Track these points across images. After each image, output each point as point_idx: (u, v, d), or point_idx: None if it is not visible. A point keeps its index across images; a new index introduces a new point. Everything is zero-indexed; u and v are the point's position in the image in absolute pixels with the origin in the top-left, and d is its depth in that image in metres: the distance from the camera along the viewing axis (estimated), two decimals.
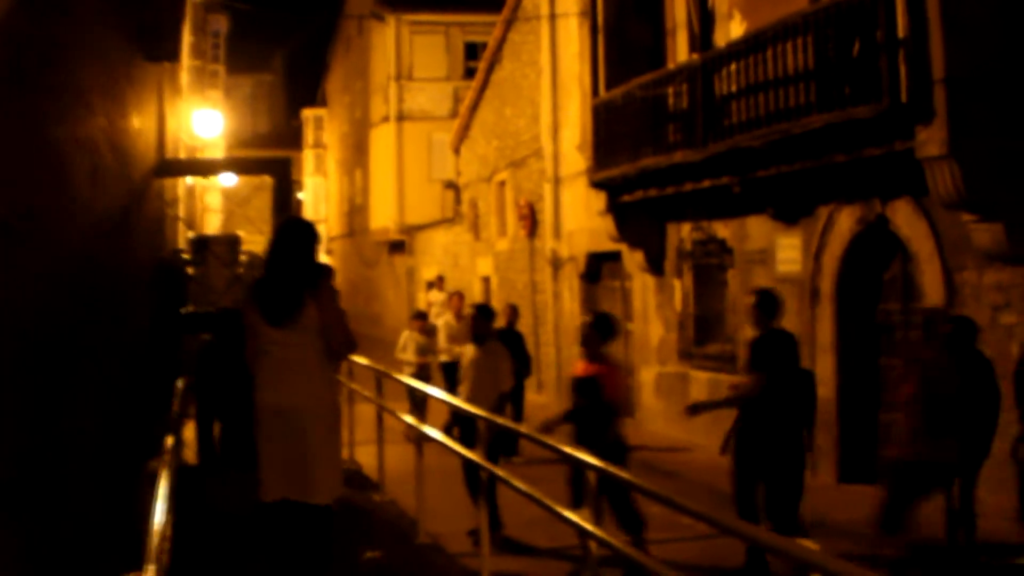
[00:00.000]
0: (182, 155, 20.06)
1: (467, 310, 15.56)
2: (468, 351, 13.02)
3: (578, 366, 11.21)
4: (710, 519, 5.41)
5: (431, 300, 32.26)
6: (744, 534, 5.78)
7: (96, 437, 5.42)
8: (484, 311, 13.59)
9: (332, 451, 7.68)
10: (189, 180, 22.82)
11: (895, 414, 13.31)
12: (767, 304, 10.79)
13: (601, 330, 11.22)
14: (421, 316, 21.16)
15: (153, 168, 9.99)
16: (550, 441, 7.23)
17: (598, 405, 10.53)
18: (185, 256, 12.43)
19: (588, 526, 6.51)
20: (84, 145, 4.76)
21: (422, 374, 18.99)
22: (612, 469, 6.22)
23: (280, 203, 11.23)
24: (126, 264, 7.35)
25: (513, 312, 20.96)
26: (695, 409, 11.31)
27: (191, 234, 14.32)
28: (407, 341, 19.73)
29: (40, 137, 3.94)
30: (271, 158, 13.04)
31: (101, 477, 5.41)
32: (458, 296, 22.43)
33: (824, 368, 15.24)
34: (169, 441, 6.76)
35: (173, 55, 9.35)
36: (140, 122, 8.35)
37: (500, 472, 8.66)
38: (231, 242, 12.53)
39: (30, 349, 3.83)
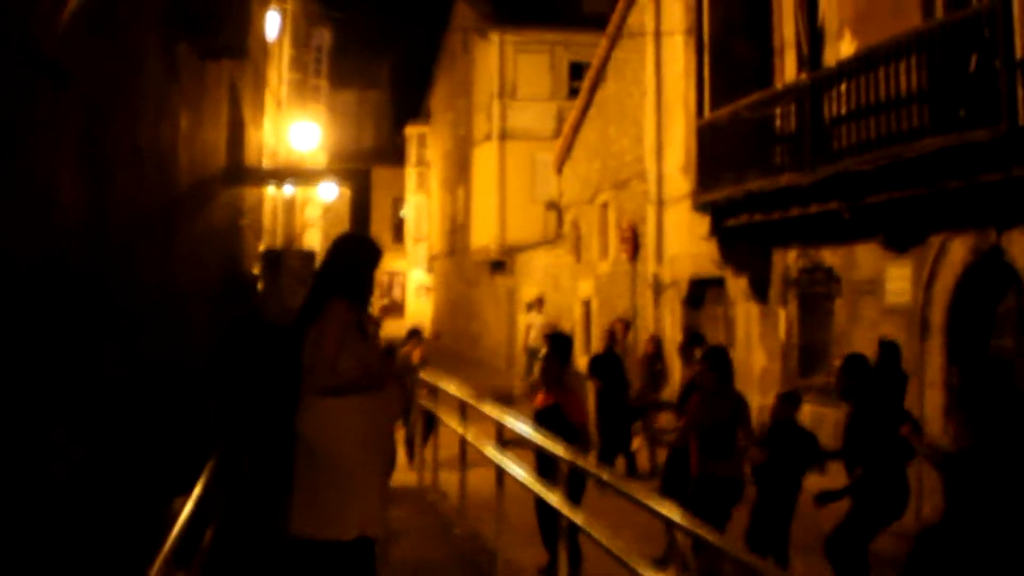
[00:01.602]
0: (271, 166, 19.80)
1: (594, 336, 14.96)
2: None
3: (537, 397, 10.72)
4: None
5: (530, 322, 31.86)
6: None
7: (97, 469, 4.93)
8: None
9: (329, 484, 7.02)
10: (287, 192, 22.59)
11: None
12: (855, 369, 10.07)
13: (560, 354, 10.79)
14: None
15: (217, 175, 9.55)
16: (634, 493, 6.63)
17: (565, 433, 9.83)
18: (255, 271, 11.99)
19: None
20: (72, 140, 4.29)
21: None
22: (704, 531, 5.61)
23: (357, 215, 10.75)
24: (167, 274, 6.86)
25: (611, 336, 20.47)
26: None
27: (263, 247, 13.87)
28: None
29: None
30: (348, 168, 12.57)
31: (104, 523, 4.92)
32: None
33: (933, 405, 14.54)
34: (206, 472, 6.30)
35: (237, 52, 8.82)
36: (195, 124, 7.90)
37: (579, 520, 8.02)
38: (305, 256, 12.08)
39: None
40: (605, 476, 7.37)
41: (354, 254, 7.43)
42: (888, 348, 12.37)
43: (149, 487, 6.39)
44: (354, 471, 7.00)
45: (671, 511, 5.97)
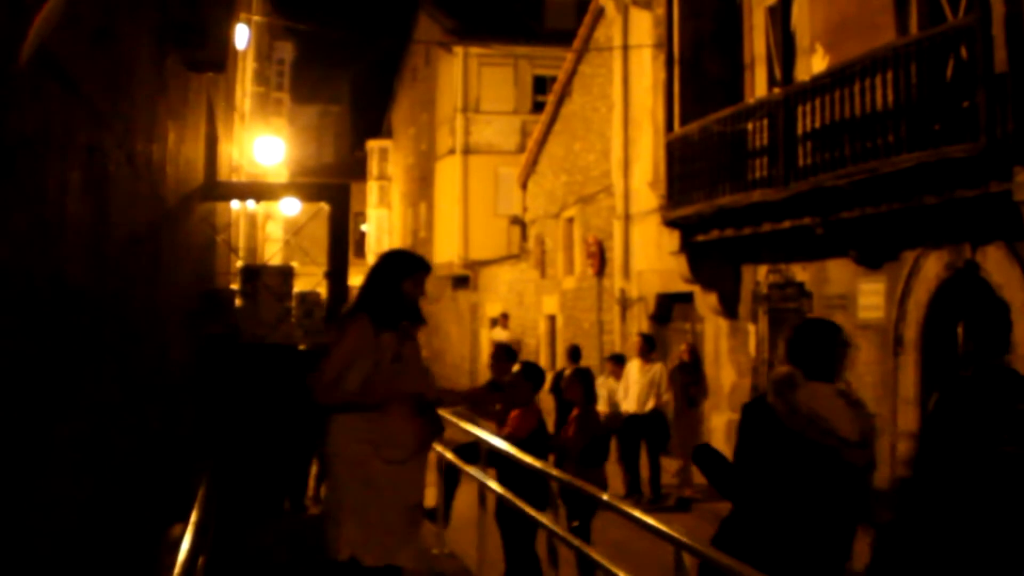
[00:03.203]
0: (239, 181, 19.62)
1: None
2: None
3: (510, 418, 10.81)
4: None
5: (494, 338, 31.71)
6: None
7: (96, 496, 4.82)
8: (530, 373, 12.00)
9: (342, 501, 6.97)
10: (251, 207, 22.42)
11: None
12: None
13: (531, 379, 11.00)
14: (617, 359, 20.25)
15: (196, 190, 9.42)
16: (637, 514, 6.52)
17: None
18: (233, 287, 11.84)
19: None
20: (80, 154, 4.18)
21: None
22: (714, 553, 5.50)
23: (336, 232, 10.62)
24: (154, 293, 6.74)
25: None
26: None
27: (240, 263, 13.72)
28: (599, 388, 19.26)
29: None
30: (328, 184, 12.43)
31: (96, 548, 4.79)
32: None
33: (907, 421, 14.52)
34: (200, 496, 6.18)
35: (219, 65, 8.72)
36: (179, 138, 7.79)
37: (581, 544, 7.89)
38: (284, 273, 11.94)
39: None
40: (605, 497, 7.24)
41: (385, 270, 7.26)
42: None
43: (145, 512, 6.27)
44: (345, 494, 6.94)
45: (679, 533, 5.87)
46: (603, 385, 18.36)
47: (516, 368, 12.27)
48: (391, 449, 6.87)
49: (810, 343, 6.18)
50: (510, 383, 11.47)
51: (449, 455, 11.80)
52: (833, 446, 5.78)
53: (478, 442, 10.63)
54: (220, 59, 8.68)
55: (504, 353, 13.62)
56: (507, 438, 10.40)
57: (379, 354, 6.89)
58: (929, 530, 5.89)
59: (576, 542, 7.74)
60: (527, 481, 9.42)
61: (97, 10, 4.54)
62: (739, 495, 6.18)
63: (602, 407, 17.71)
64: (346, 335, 6.91)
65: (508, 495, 9.52)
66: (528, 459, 9.11)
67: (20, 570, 3.63)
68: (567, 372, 12.01)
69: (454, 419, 11.47)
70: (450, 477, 12.42)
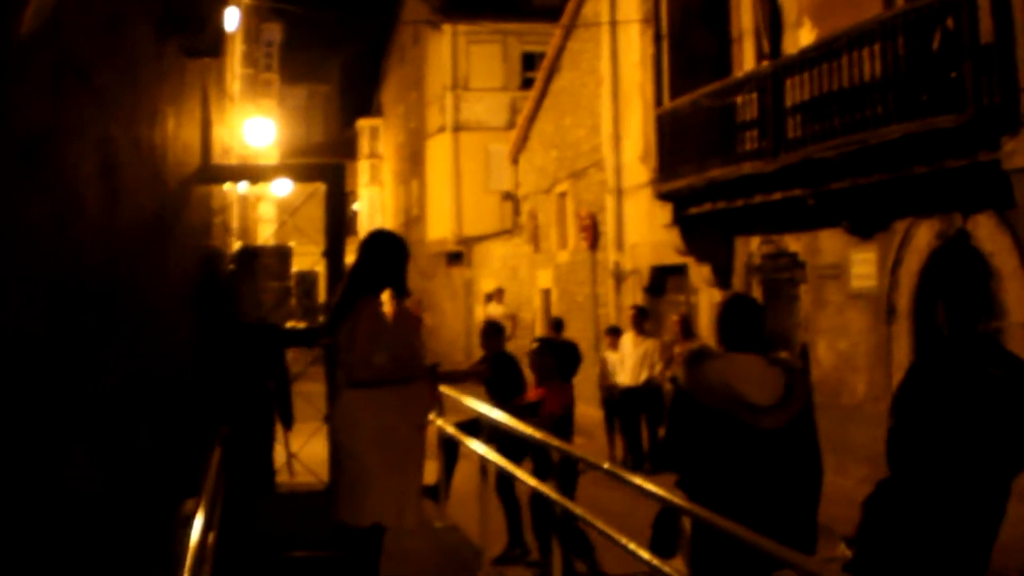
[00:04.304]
0: (233, 163, 19.68)
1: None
2: None
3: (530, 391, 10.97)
4: None
5: (489, 313, 31.80)
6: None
7: (109, 477, 4.94)
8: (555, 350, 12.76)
9: (348, 471, 7.40)
10: (242, 189, 22.48)
11: None
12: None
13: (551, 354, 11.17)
14: (614, 331, 20.45)
15: (194, 173, 9.54)
16: (637, 481, 6.67)
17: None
18: (231, 267, 11.94)
19: None
20: (93, 142, 4.31)
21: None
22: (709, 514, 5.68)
23: (333, 211, 10.72)
24: (161, 276, 6.89)
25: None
26: None
27: (238, 244, 13.82)
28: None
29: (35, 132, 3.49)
30: (323, 164, 12.45)
31: (113, 528, 4.92)
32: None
33: None
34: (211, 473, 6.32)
35: (214, 50, 8.87)
36: (178, 123, 7.92)
37: (577, 509, 8.05)
38: (282, 254, 12.04)
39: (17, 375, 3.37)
40: (606, 466, 7.39)
41: (381, 252, 7.63)
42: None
43: (156, 489, 6.41)
44: (368, 463, 7.28)
45: (678, 497, 6.03)
46: (602, 358, 18.75)
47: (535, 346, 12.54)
48: (417, 415, 7.47)
49: (732, 317, 6.61)
50: (539, 361, 11.60)
51: (451, 429, 11.96)
52: (730, 411, 6.16)
53: (479, 418, 10.77)
54: (216, 45, 8.83)
55: (493, 330, 13.77)
56: (547, 416, 10.56)
57: (393, 330, 7.36)
58: (909, 490, 6.10)
59: (579, 510, 7.92)
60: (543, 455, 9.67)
61: (107, 2, 4.67)
62: (671, 464, 6.67)
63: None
64: (362, 318, 7.27)
65: (515, 469, 9.68)
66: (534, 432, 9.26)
67: (52, 539, 3.76)
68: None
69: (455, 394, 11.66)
70: (450, 453, 12.59)
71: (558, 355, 12.18)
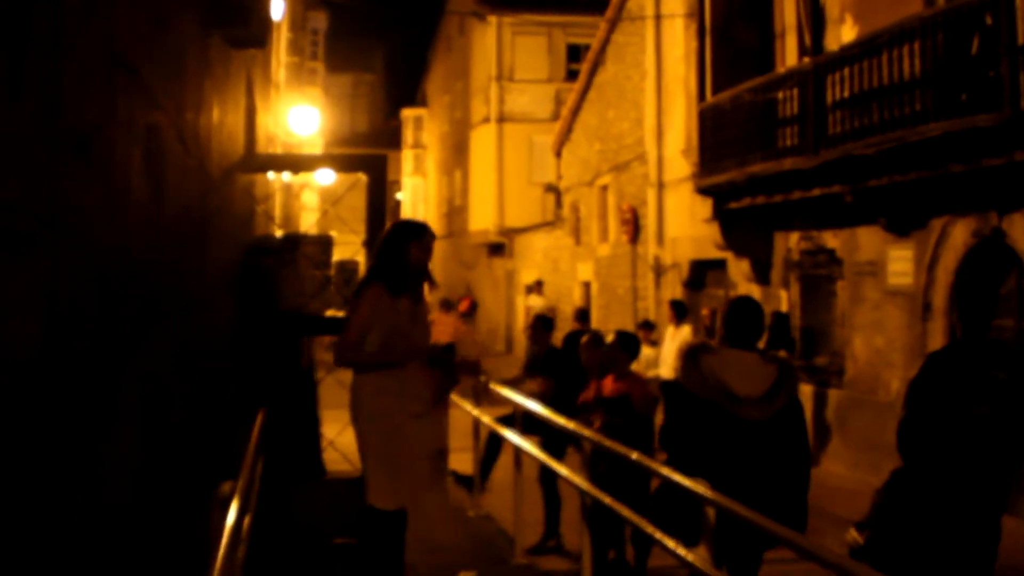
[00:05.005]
0: (278, 152, 19.86)
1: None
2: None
3: (606, 385, 10.66)
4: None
5: (530, 304, 31.94)
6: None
7: (150, 459, 5.11)
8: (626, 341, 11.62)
9: (367, 453, 7.63)
10: (286, 177, 22.68)
11: None
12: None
13: (627, 348, 10.89)
14: (648, 325, 20.65)
15: (238, 162, 9.71)
16: (665, 471, 6.81)
17: (633, 420, 10.10)
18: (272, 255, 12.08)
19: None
20: (140, 134, 4.48)
21: None
22: (735, 507, 5.81)
23: (374, 201, 10.87)
24: (204, 262, 7.07)
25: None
26: None
27: (280, 232, 13.98)
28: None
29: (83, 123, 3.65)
30: (365, 154, 12.55)
31: (153, 506, 5.09)
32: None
33: None
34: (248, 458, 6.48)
35: (260, 41, 9.03)
36: (223, 113, 8.10)
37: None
38: (323, 242, 12.20)
39: (64, 352, 3.52)
40: (634, 456, 7.48)
41: (390, 239, 7.80)
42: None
43: (195, 470, 6.59)
44: (369, 446, 7.56)
45: (702, 488, 6.17)
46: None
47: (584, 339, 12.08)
48: (413, 402, 7.54)
49: (734, 317, 7.23)
50: (610, 353, 11.26)
51: (487, 419, 12.10)
52: (718, 401, 6.79)
53: (528, 414, 10.78)
54: (261, 36, 8.99)
55: (542, 324, 13.81)
56: (637, 418, 10.41)
57: (397, 317, 7.52)
58: (918, 479, 6.34)
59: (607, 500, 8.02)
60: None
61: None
62: (665, 447, 7.45)
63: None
64: (361, 303, 7.56)
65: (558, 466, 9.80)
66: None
67: (93, 512, 3.92)
68: (583, 338, 11.83)
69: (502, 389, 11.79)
70: (493, 445, 12.66)
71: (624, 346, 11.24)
